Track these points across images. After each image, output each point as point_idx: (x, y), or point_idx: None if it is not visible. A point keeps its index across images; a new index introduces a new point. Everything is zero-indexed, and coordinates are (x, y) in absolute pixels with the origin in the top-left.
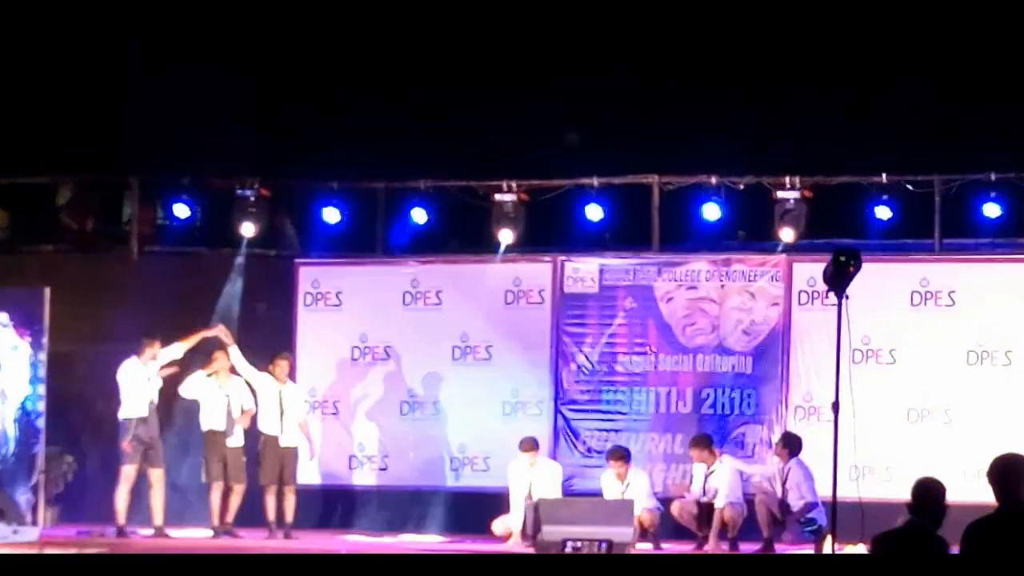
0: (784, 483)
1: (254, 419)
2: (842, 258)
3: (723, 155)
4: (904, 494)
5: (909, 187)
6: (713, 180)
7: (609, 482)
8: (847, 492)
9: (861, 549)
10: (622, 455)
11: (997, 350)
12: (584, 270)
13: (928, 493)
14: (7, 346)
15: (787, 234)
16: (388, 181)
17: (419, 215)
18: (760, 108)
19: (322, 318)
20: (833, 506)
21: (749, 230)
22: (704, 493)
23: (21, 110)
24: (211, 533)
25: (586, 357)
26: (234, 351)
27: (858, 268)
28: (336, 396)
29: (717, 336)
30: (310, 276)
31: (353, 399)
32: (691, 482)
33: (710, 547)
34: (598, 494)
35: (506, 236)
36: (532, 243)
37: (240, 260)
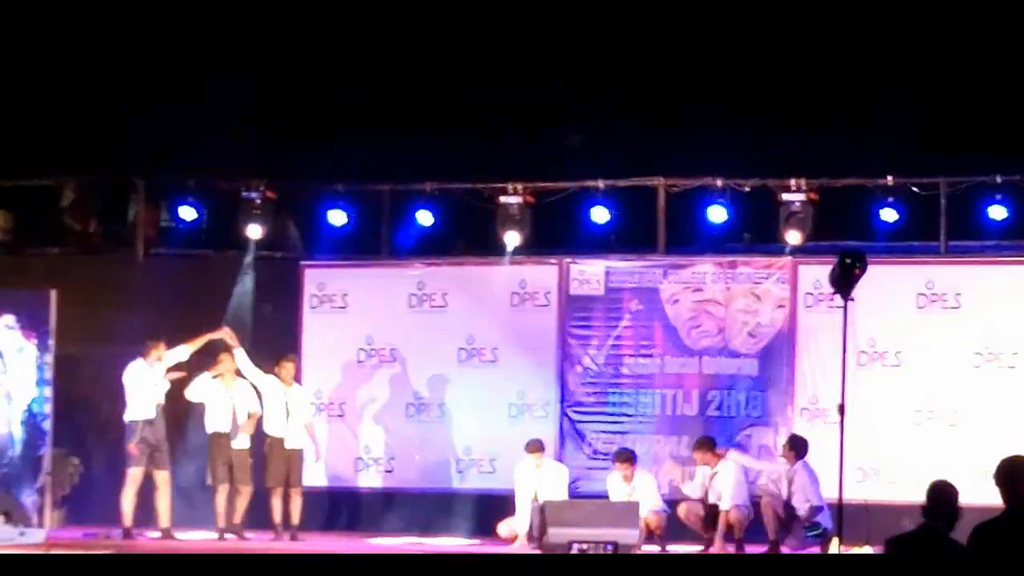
0: (790, 486)
1: (260, 421)
2: (848, 260)
3: (728, 157)
4: (910, 496)
5: (915, 189)
6: (719, 182)
7: (615, 484)
8: (853, 494)
9: (867, 551)
10: (628, 457)
11: (1003, 352)
12: (590, 272)
13: (942, 496)
14: (13, 348)
15: (793, 236)
16: (394, 183)
17: (425, 217)
18: (765, 110)
19: (328, 320)
20: (839, 508)
21: (755, 232)
22: (706, 495)
23: (24, 112)
24: (217, 535)
25: (592, 359)
26: (239, 353)
27: (864, 270)
28: (342, 398)
29: (723, 338)
30: (316, 278)
31: (359, 401)
32: (691, 478)
33: (716, 549)
34: (604, 496)
35: (512, 238)
36: (538, 245)
37: (250, 261)
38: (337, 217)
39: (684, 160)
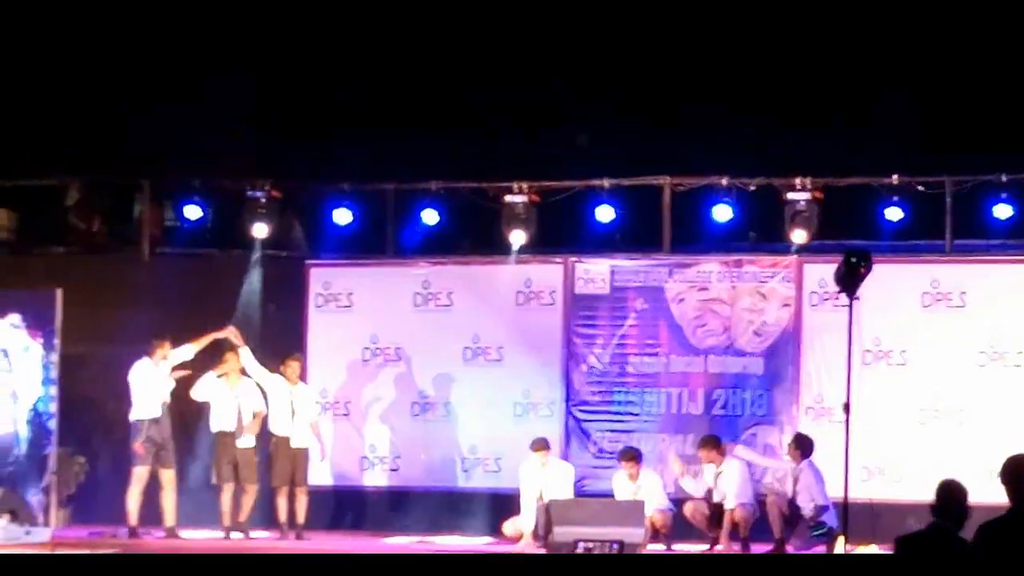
0: (795, 484)
1: (265, 420)
2: (853, 259)
3: (734, 156)
4: (915, 495)
5: (920, 188)
6: (724, 181)
7: (621, 483)
8: (858, 493)
9: (873, 550)
10: (633, 456)
11: (1008, 351)
12: (595, 271)
13: (952, 495)
14: (19, 347)
15: (798, 235)
16: (399, 182)
17: (430, 216)
18: (771, 109)
19: (333, 319)
20: (845, 507)
21: (760, 231)
22: (711, 494)
23: (28, 111)
24: (222, 535)
25: (597, 358)
26: (245, 352)
27: (869, 269)
28: (347, 397)
29: (728, 337)
30: (321, 277)
31: (364, 400)
32: (694, 476)
33: (721, 548)
34: (610, 495)
35: (517, 237)
36: (543, 244)
37: (255, 260)
38: (342, 216)
39: (689, 159)
